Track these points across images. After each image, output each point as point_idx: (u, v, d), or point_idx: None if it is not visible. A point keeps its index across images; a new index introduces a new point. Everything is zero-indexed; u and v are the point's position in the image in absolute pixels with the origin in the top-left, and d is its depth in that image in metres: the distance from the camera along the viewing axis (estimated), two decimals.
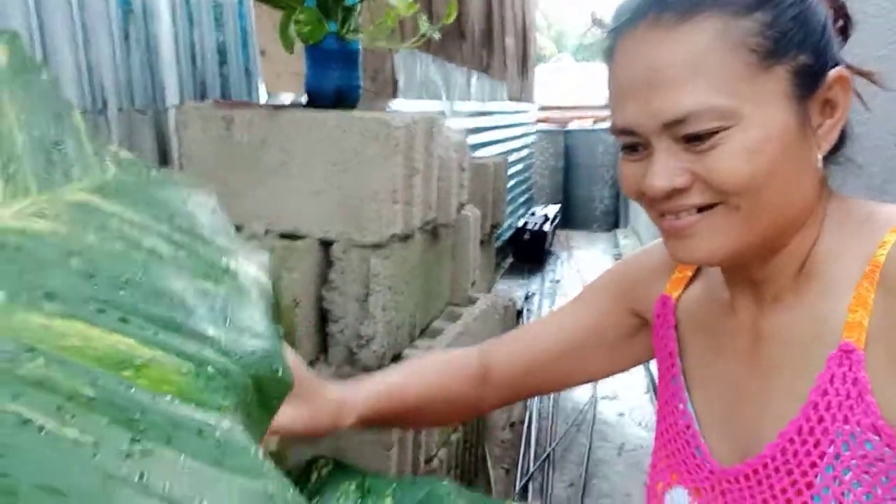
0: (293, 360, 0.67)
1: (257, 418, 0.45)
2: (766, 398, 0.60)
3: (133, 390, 0.34)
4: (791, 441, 0.56)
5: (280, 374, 0.49)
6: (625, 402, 2.73)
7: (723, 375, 0.65)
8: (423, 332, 1.60)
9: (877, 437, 0.52)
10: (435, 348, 1.52)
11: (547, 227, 5.42)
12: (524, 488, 2.00)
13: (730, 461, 0.62)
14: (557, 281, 4.79)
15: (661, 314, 0.74)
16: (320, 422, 0.66)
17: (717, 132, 0.51)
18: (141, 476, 0.29)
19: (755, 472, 0.58)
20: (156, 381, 0.36)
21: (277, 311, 1.35)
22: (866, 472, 0.52)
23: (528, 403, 2.60)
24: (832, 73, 0.54)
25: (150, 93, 1.51)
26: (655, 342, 0.75)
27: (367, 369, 1.34)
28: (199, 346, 0.41)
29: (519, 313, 3.49)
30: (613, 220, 7.25)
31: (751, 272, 0.60)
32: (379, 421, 0.74)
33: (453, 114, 3.46)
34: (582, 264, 5.40)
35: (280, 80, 1.95)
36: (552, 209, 6.02)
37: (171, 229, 0.50)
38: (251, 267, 0.57)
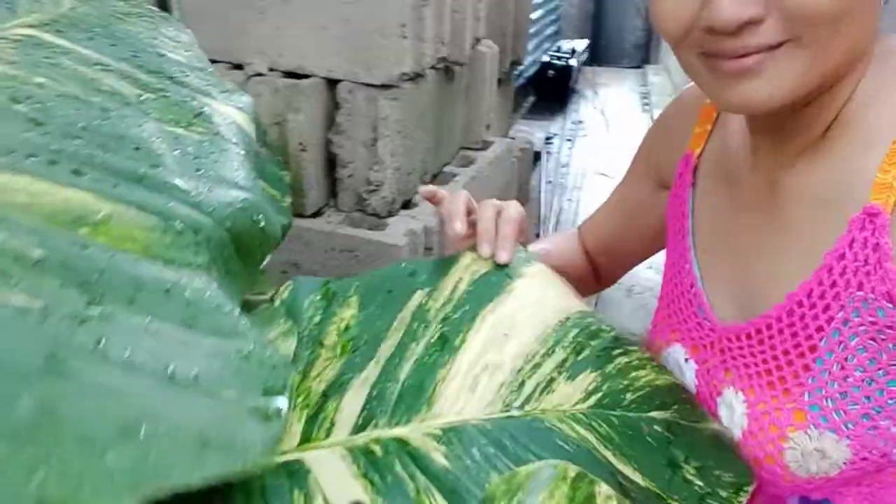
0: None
1: (238, 273, 0.44)
2: (778, 258, 0.57)
3: (90, 249, 0.32)
4: (799, 304, 0.53)
5: (263, 225, 0.47)
6: None
7: (734, 233, 0.62)
8: (434, 178, 1.57)
9: (890, 305, 0.49)
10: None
11: (573, 63, 5.15)
12: None
13: (731, 320, 0.61)
14: (580, 122, 4.64)
15: (682, 173, 0.70)
16: None
17: None
18: (98, 342, 0.28)
19: (758, 331, 0.57)
20: (116, 238, 0.33)
21: (284, 155, 1.31)
22: (873, 339, 0.50)
23: None
24: None
25: None
26: (669, 202, 0.72)
27: (377, 215, 1.34)
28: (167, 199, 0.38)
29: (537, 156, 3.43)
30: (643, 56, 6.88)
31: (783, 121, 0.54)
32: None
33: None
34: (607, 104, 5.20)
35: None
36: (580, 44, 5.68)
37: (135, 68, 0.45)
38: (230, 109, 0.53)
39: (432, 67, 1.39)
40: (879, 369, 0.50)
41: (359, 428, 0.45)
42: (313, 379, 0.46)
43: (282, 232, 0.93)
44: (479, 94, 1.72)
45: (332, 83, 1.29)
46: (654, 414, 0.54)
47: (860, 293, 0.50)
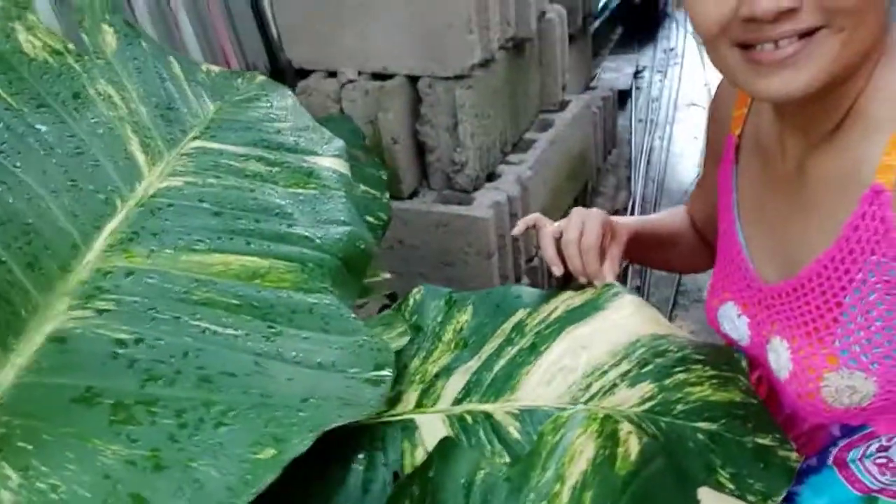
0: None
1: (351, 285, 0.63)
2: (807, 228, 0.66)
3: (263, 292, 0.52)
4: (825, 267, 0.62)
5: (363, 247, 0.65)
6: None
7: (770, 206, 0.71)
8: (514, 147, 1.71)
9: None
10: (526, 160, 1.64)
11: None
12: (624, 272, 2.18)
13: (773, 281, 0.70)
14: (672, 49, 4.49)
15: (727, 151, 0.77)
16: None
17: None
18: (278, 350, 0.48)
19: (794, 290, 0.66)
20: (276, 281, 0.54)
21: (380, 152, 1.52)
22: (888, 294, 0.59)
23: (633, 188, 2.69)
24: None
25: None
26: (719, 178, 0.79)
27: (464, 191, 1.51)
28: (300, 248, 0.58)
29: (624, 95, 3.42)
30: None
31: (806, 109, 0.61)
32: (638, 248, 0.84)
33: None
34: None
35: None
36: None
37: (263, 149, 0.64)
38: (330, 160, 0.71)
39: (501, 48, 1.51)
40: None
41: (457, 402, 0.62)
42: (430, 363, 0.65)
43: (383, 225, 1.16)
44: (550, 58, 1.82)
45: (412, 79, 1.46)
46: (700, 424, 0.61)
47: (874, 257, 0.58)
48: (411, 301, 0.82)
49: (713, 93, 0.83)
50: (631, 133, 3.12)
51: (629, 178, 2.75)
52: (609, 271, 0.76)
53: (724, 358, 0.72)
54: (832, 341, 0.63)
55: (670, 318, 1.96)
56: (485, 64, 1.44)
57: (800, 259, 0.67)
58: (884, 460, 0.72)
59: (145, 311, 0.42)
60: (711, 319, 0.81)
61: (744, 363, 0.72)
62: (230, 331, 0.45)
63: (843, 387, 0.63)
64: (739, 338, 0.76)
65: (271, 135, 0.68)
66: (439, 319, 0.76)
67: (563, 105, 1.91)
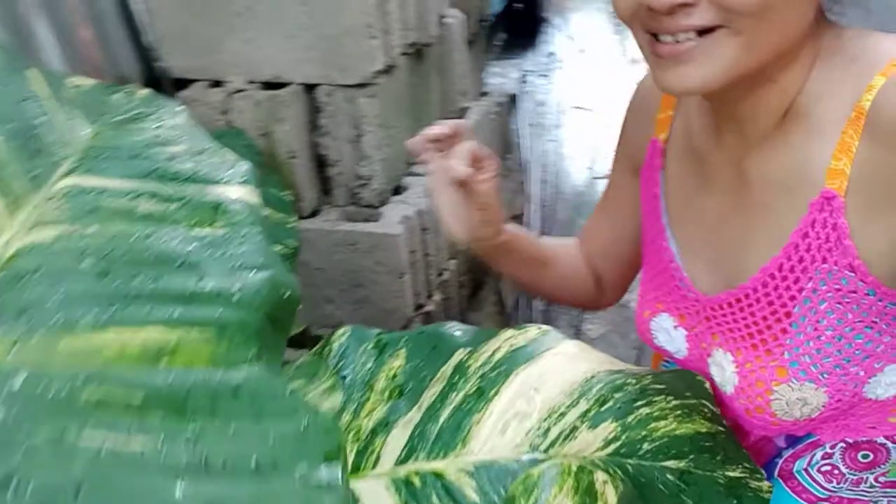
0: (493, 185, 0.74)
1: (274, 343, 0.52)
2: (750, 235, 0.63)
3: (173, 376, 0.40)
4: (772, 276, 0.60)
5: (288, 295, 0.55)
6: None
7: (705, 210, 0.68)
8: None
9: (852, 274, 0.56)
10: None
11: None
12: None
13: (712, 291, 0.67)
14: (552, 54, 4.61)
15: (650, 156, 0.74)
16: (491, 228, 0.74)
17: None
18: (202, 458, 0.37)
19: (738, 300, 0.64)
20: (188, 359, 0.42)
21: (275, 164, 1.38)
22: (839, 303, 0.57)
23: (528, 192, 2.70)
24: None
25: None
26: (642, 185, 0.77)
27: (371, 206, 1.41)
28: (215, 307, 0.46)
29: (514, 99, 3.45)
30: None
31: (737, 107, 0.60)
32: (516, 254, 0.79)
33: None
34: (576, 30, 5.14)
35: None
36: None
37: (156, 182, 0.52)
38: (236, 189, 0.59)
39: (402, 54, 1.43)
40: (846, 326, 0.58)
41: (401, 461, 0.54)
42: (363, 418, 0.56)
43: (293, 253, 1.02)
44: (449, 65, 1.75)
45: (310, 88, 1.34)
46: (668, 463, 0.58)
47: (825, 265, 0.56)
48: (335, 346, 0.72)
49: (629, 99, 0.79)
50: (522, 137, 3.14)
51: (522, 183, 2.75)
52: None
53: (685, 384, 0.69)
54: (781, 353, 0.61)
55: (579, 322, 1.96)
56: (387, 70, 1.35)
57: (741, 268, 0.64)
58: (829, 467, 0.72)
59: (11, 436, 0.30)
60: (643, 332, 0.77)
61: (706, 385, 0.69)
62: (136, 446, 0.34)
63: (794, 399, 0.62)
64: (676, 350, 0.74)
65: (164, 162, 0.56)
66: (369, 366, 0.67)
67: (462, 112, 1.85)
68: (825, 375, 0.59)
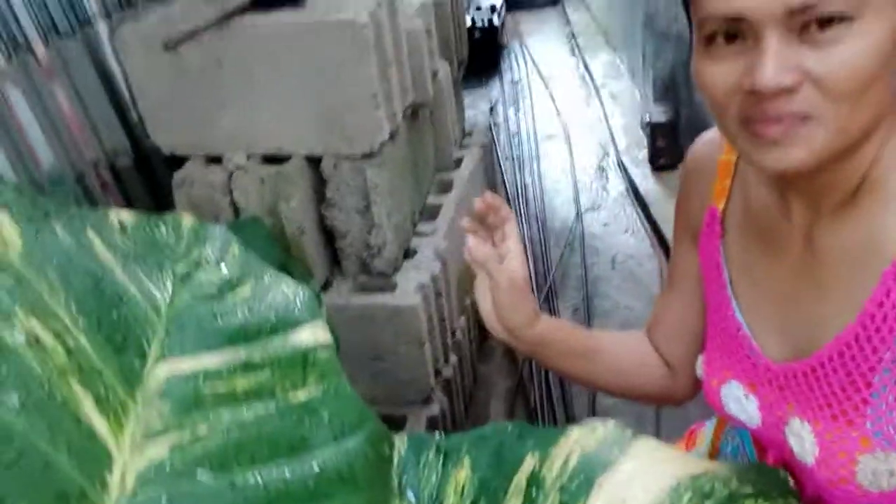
0: (519, 269, 0.75)
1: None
2: (821, 303, 0.63)
3: None
4: (848, 345, 0.60)
5: (387, 451, 0.51)
6: (607, 210, 2.82)
7: (772, 279, 0.68)
8: (422, 215, 1.60)
9: None
10: (438, 229, 1.53)
11: (496, 20, 5.10)
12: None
13: (783, 360, 0.66)
14: (517, 81, 4.64)
15: (709, 224, 0.74)
16: (521, 315, 0.75)
17: (844, 21, 0.49)
18: None
19: (813, 370, 0.63)
20: None
21: (287, 246, 1.32)
22: None
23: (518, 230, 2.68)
24: None
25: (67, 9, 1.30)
26: (702, 254, 0.76)
27: (383, 274, 1.37)
28: (331, 487, 0.42)
29: (490, 128, 3.45)
30: None
31: (813, 181, 0.60)
32: (557, 346, 0.79)
33: None
34: (537, 54, 5.20)
35: None
36: None
37: (245, 347, 0.46)
38: (311, 331, 0.54)
39: (403, 117, 1.40)
40: None
41: None
42: None
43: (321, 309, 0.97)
44: (442, 117, 1.74)
45: (313, 159, 1.30)
46: None
47: None
48: (396, 458, 0.67)
49: (684, 166, 0.79)
50: (502, 172, 3.14)
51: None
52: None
53: (772, 482, 0.66)
54: (863, 423, 0.60)
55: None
56: (391, 137, 1.31)
57: (815, 336, 0.63)
58: None
59: None
60: (713, 401, 0.76)
61: (791, 482, 0.67)
62: None
63: (881, 470, 0.60)
64: (748, 419, 0.72)
65: (244, 315, 0.51)
66: (433, 480, 0.63)
67: (458, 163, 1.83)
68: None
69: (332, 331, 0.85)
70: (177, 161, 1.33)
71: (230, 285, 0.54)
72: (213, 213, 1.27)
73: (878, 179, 0.57)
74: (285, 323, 0.54)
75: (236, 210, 1.26)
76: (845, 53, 0.50)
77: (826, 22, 0.49)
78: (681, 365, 0.83)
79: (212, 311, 0.49)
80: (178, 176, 1.29)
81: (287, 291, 0.58)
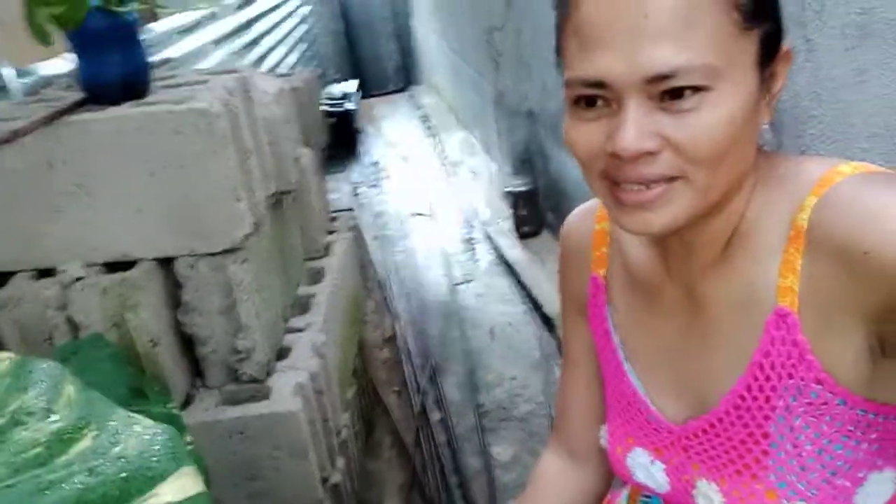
0: None
1: None
2: (711, 358, 0.63)
3: None
4: (742, 397, 0.60)
5: None
6: (479, 281, 2.84)
7: (661, 340, 0.67)
8: (293, 308, 1.49)
9: (819, 387, 0.56)
10: (312, 323, 1.43)
11: (350, 106, 5.18)
12: (422, 407, 2.06)
13: (682, 419, 0.66)
14: (376, 163, 4.69)
15: (594, 294, 0.73)
16: None
17: (700, 91, 0.50)
18: None
19: (712, 425, 0.63)
20: None
21: (137, 362, 1.16)
22: (814, 416, 0.57)
23: (394, 309, 2.62)
24: (783, 45, 0.55)
25: None
26: (592, 324, 0.75)
27: (255, 380, 1.24)
28: None
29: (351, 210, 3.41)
30: (406, 78, 7.11)
31: (684, 238, 0.61)
32: None
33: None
34: (393, 136, 5.31)
35: (33, 51, 1.53)
36: (350, 85, 5.73)
37: None
38: (174, 484, 0.45)
39: (266, 206, 1.31)
40: (824, 439, 0.57)
41: None
42: None
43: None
44: (307, 202, 1.66)
45: (165, 261, 1.17)
46: None
47: (791, 381, 0.57)
48: None
49: (561, 242, 0.79)
50: (372, 253, 3.09)
51: (385, 299, 2.68)
52: None
53: None
54: (766, 475, 0.60)
55: (482, 446, 1.87)
56: (254, 230, 1.22)
57: (710, 392, 0.63)
58: None
59: None
60: (619, 470, 0.74)
61: None
62: None
63: None
64: (657, 486, 0.71)
65: (81, 480, 0.40)
66: None
67: (327, 250, 1.75)
68: (814, 492, 0.58)
69: (198, 460, 0.73)
70: (1, 278, 1.14)
71: (63, 441, 0.43)
72: (46, 333, 1.10)
73: (747, 232, 0.59)
74: (142, 482, 0.43)
75: (75, 327, 1.09)
76: (702, 121, 0.51)
77: (683, 91, 0.51)
78: (600, 450, 0.79)
79: (36, 484, 0.38)
80: (2, 296, 1.11)
81: (143, 434, 0.47)
